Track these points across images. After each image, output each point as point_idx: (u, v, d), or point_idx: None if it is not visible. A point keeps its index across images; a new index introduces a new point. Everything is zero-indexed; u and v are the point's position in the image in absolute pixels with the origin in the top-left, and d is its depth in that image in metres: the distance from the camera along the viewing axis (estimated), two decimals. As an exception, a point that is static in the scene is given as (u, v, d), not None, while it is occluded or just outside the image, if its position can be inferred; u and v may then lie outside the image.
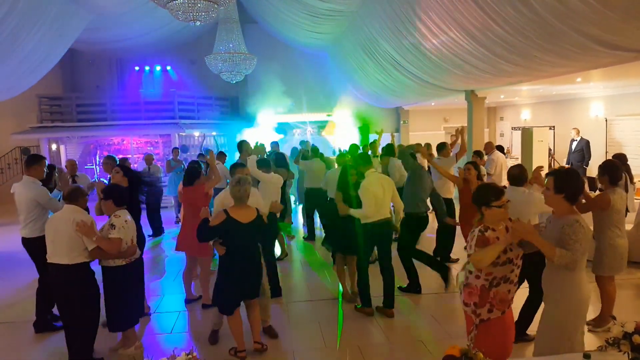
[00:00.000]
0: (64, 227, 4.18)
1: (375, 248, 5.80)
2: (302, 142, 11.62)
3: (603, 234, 4.92)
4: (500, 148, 10.67)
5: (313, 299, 6.16)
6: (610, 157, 7.33)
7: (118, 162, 7.84)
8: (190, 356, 2.33)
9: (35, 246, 5.21)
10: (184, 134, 15.01)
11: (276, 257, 7.50)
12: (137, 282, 4.62)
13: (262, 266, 4.75)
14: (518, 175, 5.02)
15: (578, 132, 12.82)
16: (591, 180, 10.01)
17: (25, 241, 5.30)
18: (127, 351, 4.61)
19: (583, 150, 12.51)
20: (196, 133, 16.06)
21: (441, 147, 8.11)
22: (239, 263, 4.42)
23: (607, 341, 2.57)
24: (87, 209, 4.68)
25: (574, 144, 12.80)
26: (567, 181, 3.15)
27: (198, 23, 7.98)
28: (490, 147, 10.18)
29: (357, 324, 5.36)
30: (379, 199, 5.35)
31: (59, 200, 5.39)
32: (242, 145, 7.52)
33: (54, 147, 14.91)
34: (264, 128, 17.46)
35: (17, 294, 6.69)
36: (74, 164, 8.05)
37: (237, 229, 4.35)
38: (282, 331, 5.15)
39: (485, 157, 9.61)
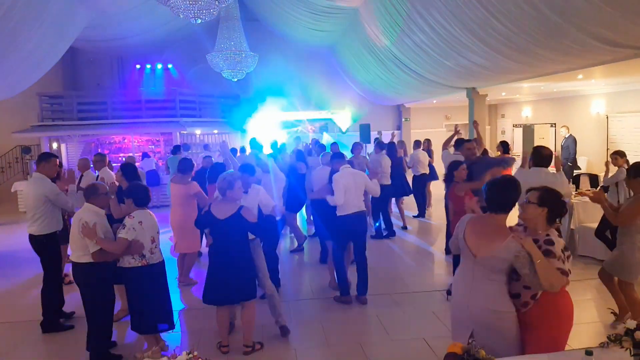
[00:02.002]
0: (74, 225, 4.28)
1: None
2: (297, 138, 11.65)
3: (634, 237, 4.61)
4: (505, 144, 10.63)
5: (315, 297, 6.16)
6: (611, 154, 7.32)
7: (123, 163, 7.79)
8: (191, 355, 2.33)
9: (42, 243, 5.26)
10: (185, 132, 15.01)
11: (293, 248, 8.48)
12: (156, 286, 4.43)
13: (249, 268, 4.58)
14: (548, 156, 4.92)
15: (568, 129, 12.74)
16: (592, 178, 10.02)
17: (33, 238, 5.29)
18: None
19: (569, 147, 12.39)
20: (197, 131, 16.06)
21: (460, 143, 8.12)
22: (215, 256, 4.51)
23: (609, 337, 2.57)
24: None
25: (564, 141, 12.76)
26: (488, 192, 3.00)
27: (199, 21, 7.96)
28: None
29: (358, 321, 5.36)
30: (350, 191, 5.73)
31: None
32: (252, 143, 7.69)
33: (55, 145, 14.90)
34: (266, 126, 17.47)
35: (20, 294, 6.68)
36: (86, 162, 7.91)
37: (213, 223, 4.45)
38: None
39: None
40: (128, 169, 5.85)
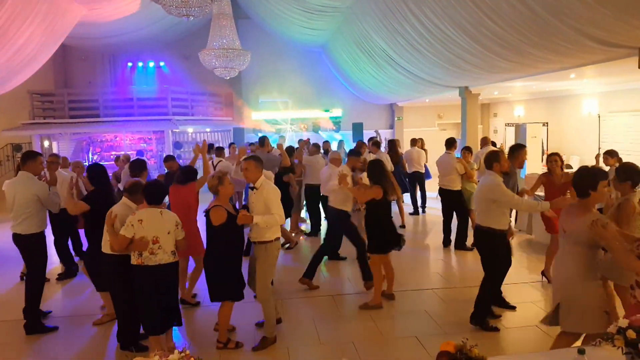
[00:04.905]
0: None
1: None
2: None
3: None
4: (492, 144, 10.69)
5: (308, 295, 6.15)
6: (603, 154, 7.34)
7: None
8: (183, 354, 2.31)
9: (29, 243, 5.14)
10: (177, 130, 14.94)
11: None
12: (154, 289, 4.21)
13: (220, 268, 4.50)
14: (486, 158, 4.95)
15: None
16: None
17: (19, 238, 5.15)
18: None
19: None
20: (189, 129, 15.99)
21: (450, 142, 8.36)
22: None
23: (601, 336, 2.57)
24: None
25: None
26: (573, 181, 3.54)
27: (191, 18, 7.93)
28: (484, 142, 10.16)
29: (351, 320, 5.36)
30: None
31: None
32: (263, 140, 8.40)
33: (46, 143, 14.80)
34: (258, 123, 17.48)
35: (7, 292, 6.61)
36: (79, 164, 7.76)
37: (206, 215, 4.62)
38: (277, 327, 5.11)
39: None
40: (92, 172, 5.45)
